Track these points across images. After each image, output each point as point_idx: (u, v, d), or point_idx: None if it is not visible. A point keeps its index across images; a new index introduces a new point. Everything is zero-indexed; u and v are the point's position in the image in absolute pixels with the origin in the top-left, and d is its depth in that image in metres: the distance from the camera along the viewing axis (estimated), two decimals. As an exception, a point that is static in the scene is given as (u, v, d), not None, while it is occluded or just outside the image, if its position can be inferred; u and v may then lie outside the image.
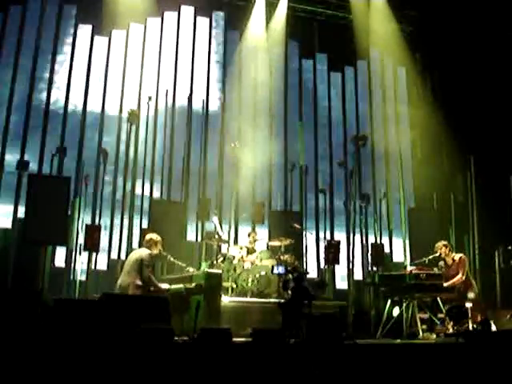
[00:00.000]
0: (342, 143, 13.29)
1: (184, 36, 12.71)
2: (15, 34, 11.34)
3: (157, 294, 7.53)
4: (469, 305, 7.87)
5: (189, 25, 12.79)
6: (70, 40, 11.79)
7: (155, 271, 8.45)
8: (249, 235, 10.07)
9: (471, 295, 8.33)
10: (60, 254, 10.41)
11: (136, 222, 10.95)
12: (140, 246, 8.23)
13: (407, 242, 12.58)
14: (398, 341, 7.78)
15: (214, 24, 13.00)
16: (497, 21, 11.84)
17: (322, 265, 11.72)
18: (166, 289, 7.69)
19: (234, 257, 9.30)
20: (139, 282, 7.46)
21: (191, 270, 8.18)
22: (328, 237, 12.15)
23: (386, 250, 12.17)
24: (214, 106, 12.51)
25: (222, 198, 11.63)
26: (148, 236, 7.97)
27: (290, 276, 7.74)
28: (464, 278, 8.66)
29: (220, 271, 8.35)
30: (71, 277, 9.62)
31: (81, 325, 5.24)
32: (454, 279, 8.61)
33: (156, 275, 8.12)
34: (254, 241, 9.92)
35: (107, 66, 11.94)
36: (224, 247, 10.02)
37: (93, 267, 9.75)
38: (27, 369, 4.75)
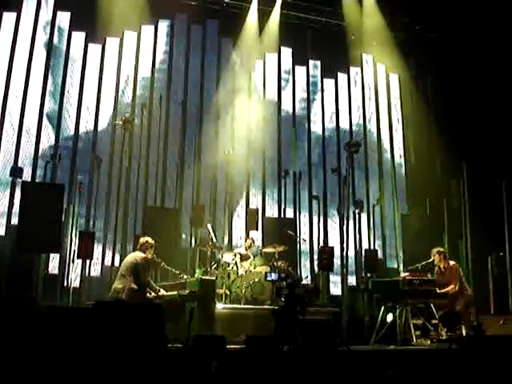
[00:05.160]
0: (335, 149, 13.33)
1: (178, 43, 12.72)
2: (9, 41, 11.33)
3: (152, 299, 7.53)
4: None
5: (182, 32, 12.81)
6: (63, 47, 11.79)
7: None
8: (245, 241, 10.09)
9: (458, 308, 8.34)
10: (54, 260, 10.38)
11: (130, 228, 10.96)
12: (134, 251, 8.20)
13: (400, 247, 12.63)
14: (392, 347, 7.80)
15: (207, 31, 13.02)
16: (489, 27, 11.93)
17: (316, 271, 11.74)
18: (163, 295, 7.68)
19: (227, 263, 9.30)
20: (134, 286, 7.43)
21: (185, 276, 8.17)
22: (321, 243, 12.14)
23: (380, 255, 12.18)
24: (208, 112, 12.51)
25: (215, 204, 11.62)
26: (143, 239, 7.93)
27: (284, 283, 7.76)
28: (457, 287, 8.65)
29: (214, 278, 8.35)
30: (65, 284, 9.59)
31: (74, 333, 5.23)
32: (448, 288, 8.61)
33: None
34: (249, 247, 9.92)
35: (101, 72, 11.94)
36: (218, 254, 10.02)
37: (86, 274, 9.72)
38: (20, 376, 4.73)
